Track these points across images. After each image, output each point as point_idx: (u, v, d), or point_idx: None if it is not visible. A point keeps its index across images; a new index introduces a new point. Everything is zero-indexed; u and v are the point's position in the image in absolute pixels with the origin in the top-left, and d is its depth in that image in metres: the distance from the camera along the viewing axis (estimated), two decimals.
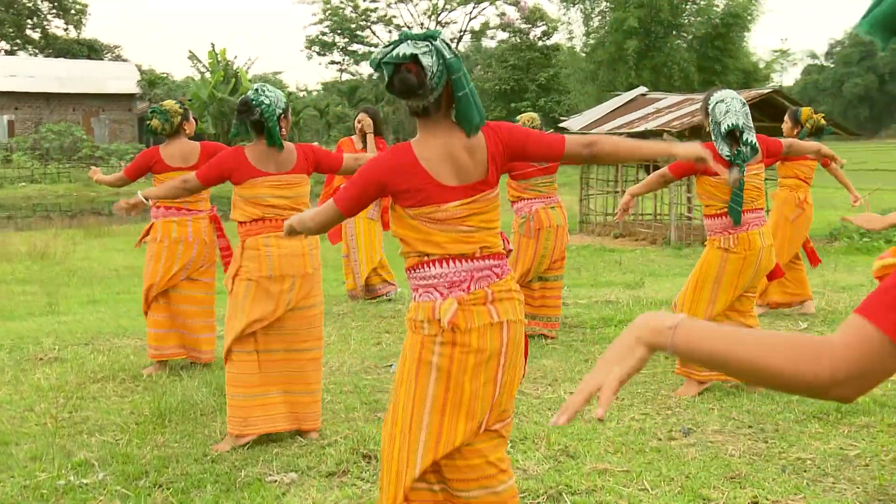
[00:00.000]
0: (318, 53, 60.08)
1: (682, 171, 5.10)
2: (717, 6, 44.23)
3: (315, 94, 71.58)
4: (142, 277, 6.12)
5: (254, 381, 4.41)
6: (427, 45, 2.70)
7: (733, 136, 4.91)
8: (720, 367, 1.33)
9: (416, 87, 2.69)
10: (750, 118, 4.99)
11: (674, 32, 43.28)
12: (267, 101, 4.31)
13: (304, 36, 58.77)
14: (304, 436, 4.57)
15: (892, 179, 15.74)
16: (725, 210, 5.06)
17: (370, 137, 8.01)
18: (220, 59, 42.41)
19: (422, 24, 60.19)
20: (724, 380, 5.23)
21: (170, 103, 5.99)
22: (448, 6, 58.46)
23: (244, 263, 4.39)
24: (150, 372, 5.92)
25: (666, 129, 15.39)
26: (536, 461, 4.11)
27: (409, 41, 2.70)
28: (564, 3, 49.48)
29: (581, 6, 47.60)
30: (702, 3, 44.21)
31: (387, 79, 2.72)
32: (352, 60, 60.71)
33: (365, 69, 61.77)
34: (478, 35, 61.09)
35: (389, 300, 8.35)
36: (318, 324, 4.59)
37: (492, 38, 60.60)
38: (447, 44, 2.72)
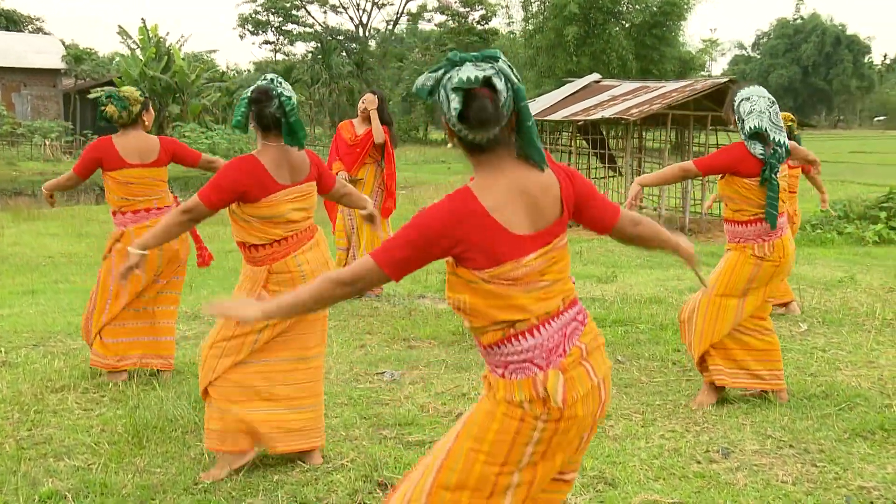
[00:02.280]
0: (251, 33, 58.60)
1: (711, 169, 4.73)
2: None
3: (246, 74, 70.04)
4: (95, 280, 5.47)
5: (257, 394, 3.89)
6: (492, 67, 2.25)
7: (759, 136, 4.58)
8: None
9: (493, 116, 2.24)
10: (779, 116, 4.65)
11: (612, 20, 43.31)
12: (287, 93, 3.75)
13: (237, 14, 57.21)
14: (305, 459, 4.07)
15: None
16: (759, 216, 4.68)
17: (374, 117, 7.54)
18: (151, 35, 40.95)
19: (357, 4, 59.23)
20: (747, 388, 4.90)
21: (129, 89, 5.34)
22: None
23: (273, 289, 3.82)
24: (110, 380, 5.35)
25: (624, 116, 15.14)
26: (574, 491, 3.70)
27: (470, 62, 2.25)
28: None
29: None
30: None
31: (458, 107, 2.22)
32: (286, 41, 59.42)
33: (300, 49, 60.55)
34: (415, 18, 60.33)
35: (371, 297, 7.86)
36: (325, 325, 4.10)
37: (429, 20, 59.94)
38: (510, 66, 2.27)
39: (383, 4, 60.59)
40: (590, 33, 42.89)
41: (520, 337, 2.35)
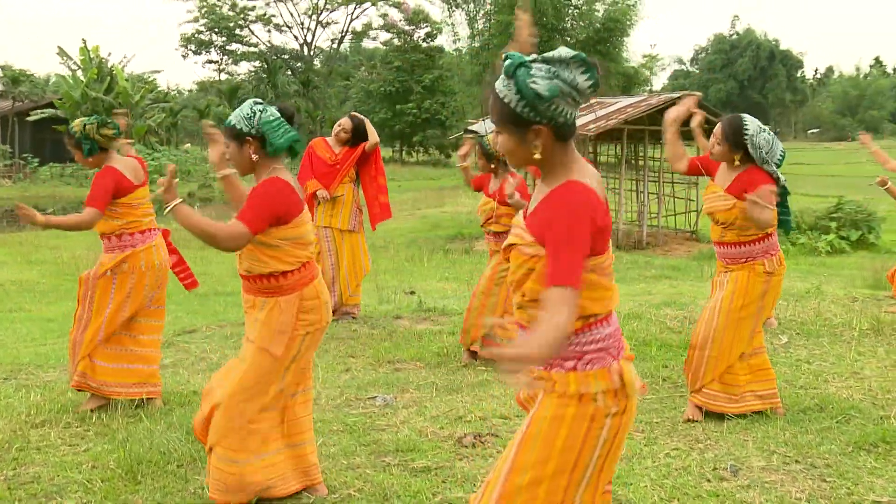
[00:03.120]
0: (194, 52, 58.05)
1: (695, 169, 4.86)
2: (598, 11, 44.96)
3: (187, 94, 69.32)
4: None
5: (270, 437, 3.75)
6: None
7: (782, 160, 4.65)
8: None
9: None
10: None
11: (557, 36, 43.69)
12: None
13: (180, 34, 56.64)
14: (310, 492, 3.96)
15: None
16: (766, 233, 4.71)
17: (370, 126, 7.67)
18: (92, 55, 40.25)
19: (302, 23, 59.06)
20: (737, 412, 4.90)
21: (78, 122, 5.13)
22: (329, 6, 57.46)
23: (303, 317, 3.65)
24: (88, 408, 5.17)
25: (582, 132, 15.25)
26: None
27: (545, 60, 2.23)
28: (448, 6, 49.57)
29: (465, 8, 47.67)
30: (584, 7, 44.83)
31: (592, 78, 2.21)
32: (230, 60, 58.96)
33: (244, 68, 60.09)
34: (359, 36, 60.32)
35: (349, 320, 7.75)
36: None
37: (374, 38, 60.04)
38: None
39: (328, 23, 60.61)
40: (536, 50, 43.12)
41: (599, 325, 2.32)
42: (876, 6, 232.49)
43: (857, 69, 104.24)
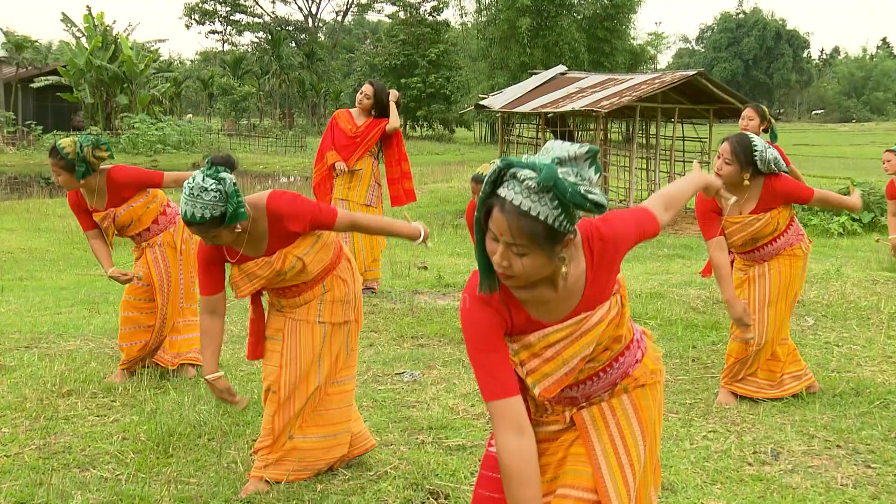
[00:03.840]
0: (198, 22, 57.62)
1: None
2: None
3: (189, 64, 68.87)
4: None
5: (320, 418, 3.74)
6: None
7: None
8: None
9: None
10: None
11: (565, 12, 43.39)
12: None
13: (183, 3, 56.22)
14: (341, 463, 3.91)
15: None
16: (790, 220, 4.70)
17: (393, 108, 7.47)
18: (97, 23, 39.91)
19: None
20: (774, 397, 4.85)
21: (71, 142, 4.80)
22: None
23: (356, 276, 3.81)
24: (117, 379, 5.13)
25: (595, 108, 15.11)
26: None
27: None
28: None
29: None
30: None
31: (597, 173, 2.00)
32: (234, 31, 58.58)
33: (247, 39, 59.72)
34: (364, 8, 59.88)
35: (368, 294, 7.67)
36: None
37: (378, 11, 59.64)
38: None
39: None
40: (542, 25, 42.94)
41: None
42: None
43: (864, 50, 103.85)
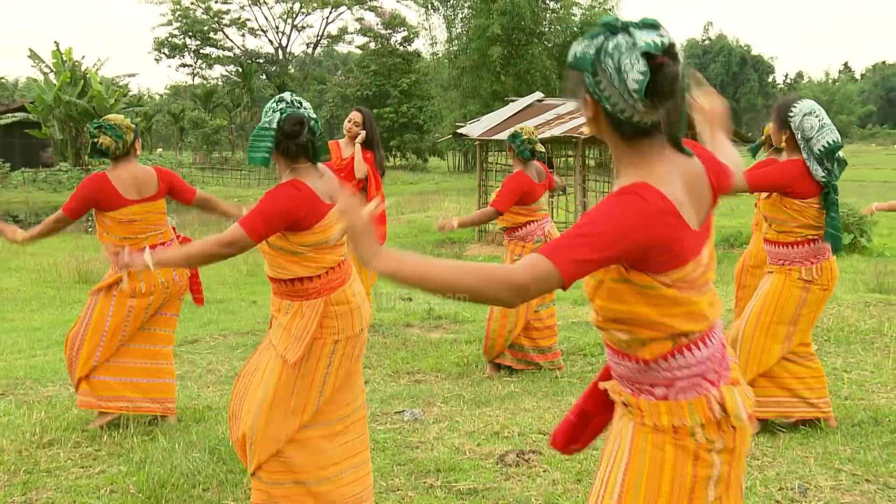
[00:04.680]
0: (168, 56, 57.34)
1: (762, 186, 4.45)
2: (575, 15, 44.98)
3: (159, 98, 68.57)
4: (75, 324, 4.92)
5: (331, 458, 3.45)
6: (666, 33, 1.89)
7: (830, 155, 4.32)
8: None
9: (680, 89, 1.89)
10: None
11: (535, 40, 43.62)
12: (314, 115, 3.39)
13: (153, 38, 55.88)
14: None
15: None
16: (810, 237, 4.42)
17: (358, 150, 7.10)
18: (65, 58, 39.51)
19: (276, 27, 58.62)
20: (792, 416, 4.67)
21: (117, 117, 4.82)
22: (304, 10, 57.01)
23: (329, 323, 3.39)
24: (98, 425, 4.84)
25: (574, 135, 15.03)
26: None
27: (639, 28, 1.86)
28: (425, 10, 49.35)
29: (443, 12, 47.49)
30: (561, 11, 44.82)
31: (644, 78, 1.82)
32: (204, 64, 58.31)
33: (218, 72, 59.54)
34: (335, 40, 59.92)
35: None
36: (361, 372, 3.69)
37: (349, 43, 59.66)
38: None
39: (303, 27, 60.12)
40: (513, 54, 43.12)
41: (692, 347, 1.98)
42: (844, 12, 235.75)
43: (827, 74, 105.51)
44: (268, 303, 9.71)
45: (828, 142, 4.24)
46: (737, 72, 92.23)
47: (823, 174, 4.30)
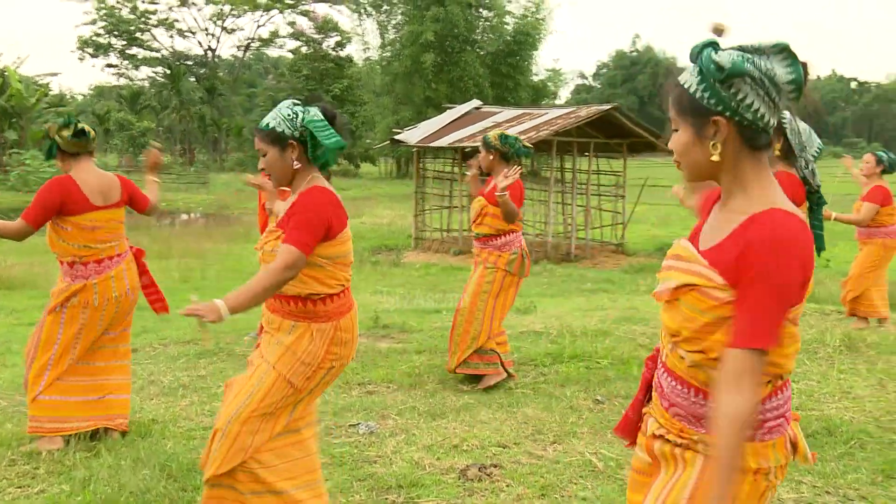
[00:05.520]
0: (92, 55, 55.86)
1: None
2: (508, 24, 45.28)
3: (82, 99, 66.87)
4: (28, 341, 4.68)
5: (299, 469, 3.28)
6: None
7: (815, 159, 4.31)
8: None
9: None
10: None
11: (468, 48, 43.76)
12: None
13: (77, 36, 54.33)
14: None
15: (635, 193, 17.71)
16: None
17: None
18: None
19: (206, 29, 57.66)
20: None
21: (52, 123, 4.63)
22: (235, 12, 56.18)
23: (334, 351, 3.21)
24: (43, 448, 4.55)
25: None
26: None
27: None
28: (358, 15, 49.10)
29: (376, 18, 47.29)
30: (494, 20, 45.06)
31: (798, 74, 1.81)
32: (131, 65, 56.97)
33: (144, 73, 58.28)
34: (266, 43, 59.21)
35: None
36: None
37: (280, 46, 59.07)
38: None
39: (233, 30, 59.29)
40: (447, 61, 43.18)
41: (784, 388, 1.94)
42: (764, 26, 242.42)
43: None
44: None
45: (819, 145, 4.26)
46: (663, 83, 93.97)
47: (818, 179, 4.31)
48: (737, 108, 1.82)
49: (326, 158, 3.17)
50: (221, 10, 55.71)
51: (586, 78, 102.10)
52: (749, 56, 1.81)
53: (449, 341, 5.94)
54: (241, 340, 7.23)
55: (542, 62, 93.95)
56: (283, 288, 3.11)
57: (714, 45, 1.85)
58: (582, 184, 17.17)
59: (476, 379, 5.89)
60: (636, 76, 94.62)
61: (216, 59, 58.17)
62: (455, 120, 18.08)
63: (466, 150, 16.40)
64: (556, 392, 5.73)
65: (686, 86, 1.88)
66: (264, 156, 3.18)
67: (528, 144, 5.84)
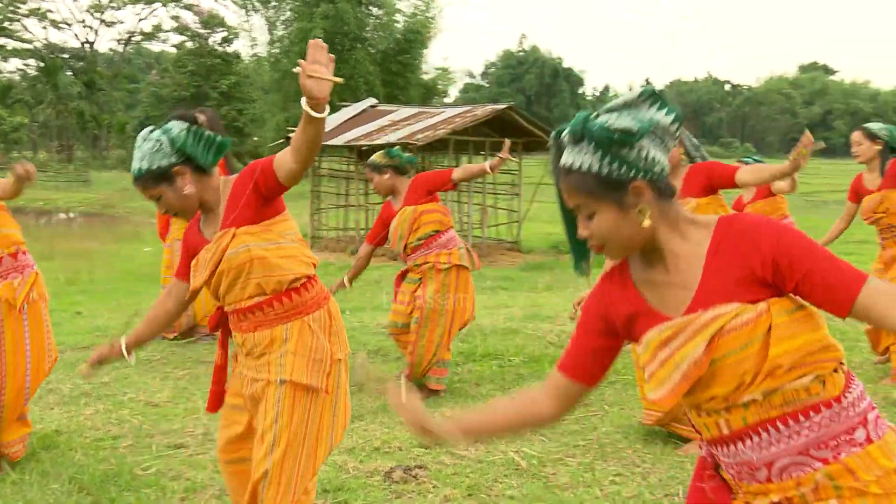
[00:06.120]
0: None
1: None
2: (398, 22, 45.35)
3: None
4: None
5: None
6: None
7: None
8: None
9: None
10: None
11: (359, 46, 43.56)
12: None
13: None
14: None
15: (530, 191, 17.59)
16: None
17: None
18: None
19: (83, 21, 55.51)
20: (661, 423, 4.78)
21: None
22: (114, 4, 54.29)
23: (335, 341, 2.96)
24: None
25: (410, 141, 15.05)
26: None
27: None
28: (245, 11, 48.24)
29: (264, 14, 46.57)
30: (384, 18, 45.04)
31: (673, 110, 1.80)
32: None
33: (13, 65, 55.63)
34: (148, 37, 57.44)
35: (209, 340, 7.04)
36: None
37: (164, 41, 57.34)
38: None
39: (112, 23, 57.24)
40: (337, 59, 41.71)
41: (853, 374, 1.82)
42: (646, 29, 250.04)
43: (630, 88, 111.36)
44: (94, 313, 9.12)
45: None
46: (550, 83, 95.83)
47: None
48: (647, 168, 1.76)
49: (217, 157, 2.88)
50: (100, 1, 53.75)
51: (475, 77, 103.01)
52: (633, 112, 1.77)
53: (411, 354, 5.66)
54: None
55: (431, 61, 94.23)
56: (263, 285, 2.81)
57: (589, 117, 1.78)
58: (478, 182, 17.30)
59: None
60: (523, 76, 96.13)
61: (94, 53, 56.08)
62: (350, 118, 17.96)
63: (363, 148, 16.32)
64: (472, 391, 5.75)
65: (585, 167, 1.76)
66: (159, 199, 2.86)
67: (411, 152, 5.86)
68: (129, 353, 3.00)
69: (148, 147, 2.81)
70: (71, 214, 28.83)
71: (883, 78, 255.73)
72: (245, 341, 2.88)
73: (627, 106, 1.77)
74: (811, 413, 1.70)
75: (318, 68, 2.40)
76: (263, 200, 2.78)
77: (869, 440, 1.70)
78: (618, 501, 3.90)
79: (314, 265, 2.95)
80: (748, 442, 1.75)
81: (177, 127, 2.82)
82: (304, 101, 2.45)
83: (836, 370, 1.74)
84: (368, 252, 5.77)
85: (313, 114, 2.46)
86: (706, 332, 1.70)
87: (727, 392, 1.72)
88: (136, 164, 2.83)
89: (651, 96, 1.79)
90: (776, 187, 7.02)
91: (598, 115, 1.77)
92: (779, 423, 1.71)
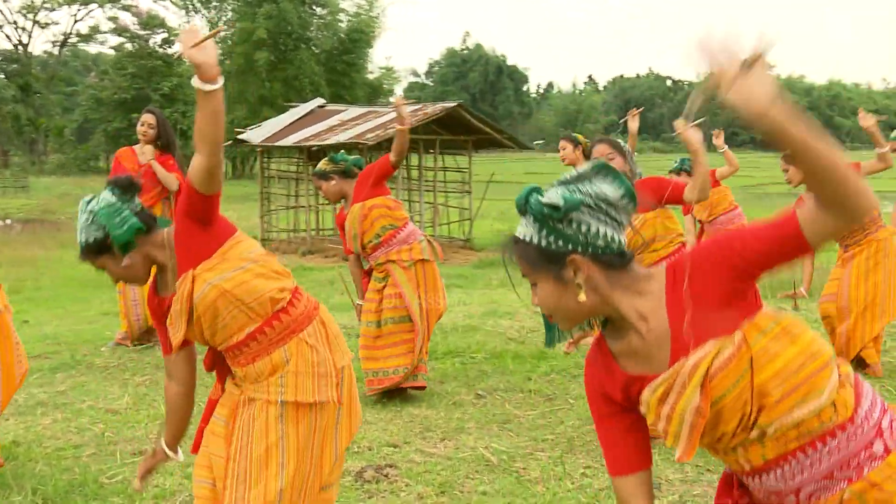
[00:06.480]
0: None
1: None
2: (342, 22, 45.17)
3: None
4: None
5: None
6: None
7: None
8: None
9: None
10: None
11: (303, 45, 43.30)
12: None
13: None
14: None
15: (480, 189, 17.43)
16: None
17: (158, 169, 6.65)
18: None
19: (14, 22, 54.20)
20: None
21: None
22: (48, 5, 53.13)
23: (337, 351, 2.86)
24: None
25: (360, 141, 15.00)
26: None
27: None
28: (185, 11, 47.68)
29: (205, 14, 46.06)
30: (328, 17, 44.84)
31: (622, 184, 1.82)
32: None
33: None
34: (86, 39, 56.31)
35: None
36: None
37: (102, 42, 56.23)
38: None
39: (47, 24, 56.00)
40: (281, 59, 42.61)
41: (860, 377, 1.84)
42: (587, 28, 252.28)
43: (574, 85, 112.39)
44: (41, 321, 8.91)
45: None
46: (494, 81, 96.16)
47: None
48: (586, 241, 1.75)
49: (126, 241, 2.66)
50: (32, 2, 52.56)
51: (419, 76, 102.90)
52: (573, 186, 1.77)
53: (413, 347, 5.45)
54: (100, 352, 6.84)
55: (376, 60, 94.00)
56: (250, 312, 2.65)
57: (536, 190, 1.80)
58: (429, 181, 17.31)
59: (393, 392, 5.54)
60: (468, 74, 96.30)
61: (28, 56, 54.81)
62: (299, 119, 17.81)
63: (313, 148, 16.21)
64: (438, 389, 5.74)
65: (528, 239, 1.79)
66: (108, 269, 2.75)
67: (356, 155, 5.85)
68: (174, 451, 2.86)
69: (83, 220, 2.68)
70: (8, 221, 28.11)
71: (817, 73, 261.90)
72: (246, 374, 2.70)
73: (577, 179, 1.78)
74: (828, 439, 1.71)
75: (193, 37, 2.34)
76: (203, 226, 2.62)
77: (887, 450, 1.72)
78: (590, 493, 3.93)
79: (289, 275, 2.79)
80: (772, 474, 1.76)
81: (104, 199, 2.68)
82: (195, 79, 2.37)
83: (843, 385, 1.73)
84: (355, 260, 5.72)
85: (207, 87, 2.37)
86: (695, 380, 1.68)
87: (733, 428, 1.72)
88: (78, 238, 2.71)
89: (601, 169, 1.80)
90: (719, 173, 7.97)
91: (541, 191, 1.79)
92: (799, 454, 1.72)
